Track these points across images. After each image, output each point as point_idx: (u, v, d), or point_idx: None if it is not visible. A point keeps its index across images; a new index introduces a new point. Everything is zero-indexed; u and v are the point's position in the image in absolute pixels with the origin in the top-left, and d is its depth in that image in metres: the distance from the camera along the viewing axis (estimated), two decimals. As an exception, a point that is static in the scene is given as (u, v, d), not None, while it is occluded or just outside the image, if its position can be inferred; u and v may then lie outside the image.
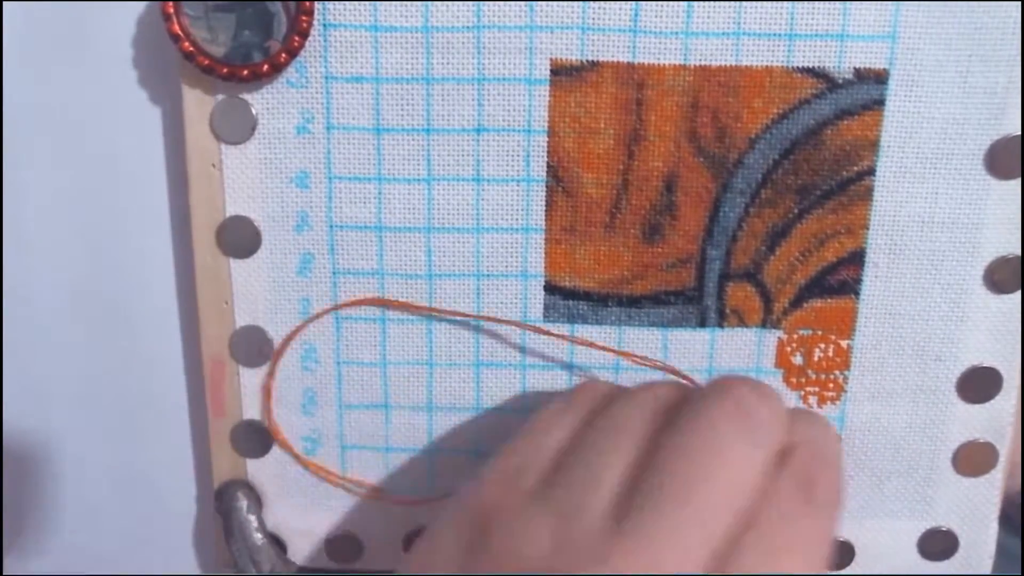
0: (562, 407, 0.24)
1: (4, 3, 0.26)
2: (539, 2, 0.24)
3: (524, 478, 0.22)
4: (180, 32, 0.24)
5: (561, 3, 0.24)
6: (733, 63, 0.25)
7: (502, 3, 0.24)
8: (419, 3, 0.24)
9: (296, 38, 0.24)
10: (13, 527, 0.30)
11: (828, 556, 0.22)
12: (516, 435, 0.24)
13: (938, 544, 0.29)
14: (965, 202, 0.26)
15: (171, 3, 0.24)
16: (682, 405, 0.23)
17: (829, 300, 0.27)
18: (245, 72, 0.24)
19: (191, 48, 0.24)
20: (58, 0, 0.26)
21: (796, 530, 0.21)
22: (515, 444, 0.23)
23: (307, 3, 0.24)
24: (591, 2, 0.24)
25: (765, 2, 0.24)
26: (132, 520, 0.31)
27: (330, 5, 0.24)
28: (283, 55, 0.24)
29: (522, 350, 0.27)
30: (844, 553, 0.29)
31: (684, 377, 0.27)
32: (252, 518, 0.28)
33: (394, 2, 0.24)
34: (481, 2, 0.24)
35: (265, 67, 0.24)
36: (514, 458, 0.23)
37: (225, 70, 0.24)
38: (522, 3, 0.24)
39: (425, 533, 0.22)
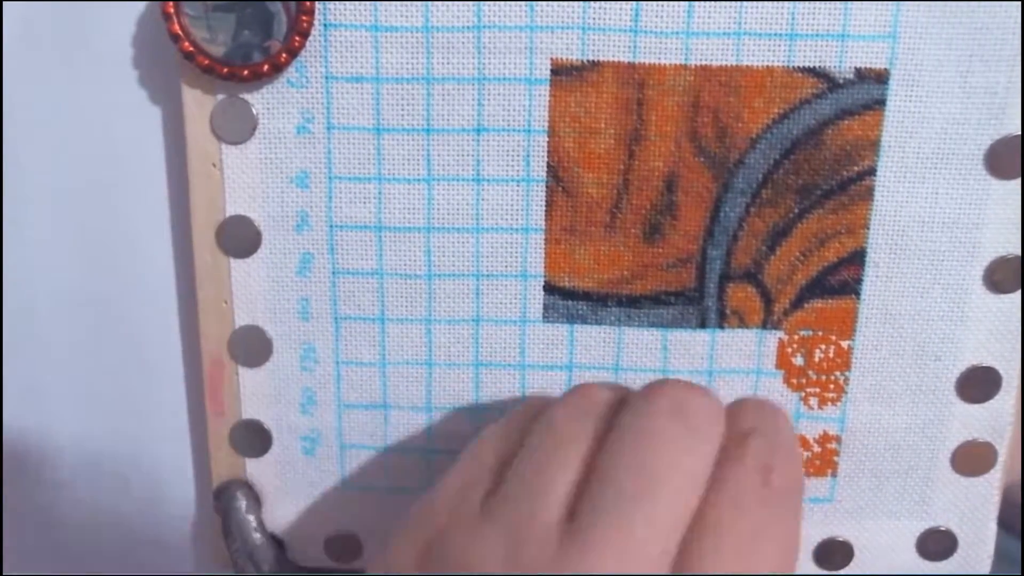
0: (503, 424, 0.25)
1: (4, 2, 0.26)
2: (539, 2, 0.24)
3: (472, 495, 0.22)
4: (180, 32, 0.24)
5: (561, 3, 0.24)
6: (734, 63, 0.25)
7: (502, 3, 0.24)
8: (419, 3, 0.24)
9: (297, 38, 0.24)
10: (13, 527, 0.30)
11: (796, 543, 0.22)
12: (461, 455, 0.24)
13: (937, 544, 0.29)
14: (965, 202, 0.26)
15: (171, 3, 0.24)
16: (620, 409, 0.23)
17: (830, 300, 0.27)
18: (245, 72, 0.24)
19: (191, 48, 0.24)
20: (58, 0, 0.26)
21: (757, 519, 0.21)
22: (460, 464, 0.24)
23: (308, 3, 0.24)
24: (591, 2, 0.24)
25: (766, 2, 0.24)
26: (130, 520, 0.31)
27: (330, 5, 0.24)
28: (283, 55, 0.24)
29: (521, 350, 0.27)
30: (843, 553, 0.29)
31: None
32: (251, 518, 0.28)
33: (394, 2, 0.24)
34: (481, 2, 0.24)
35: (266, 67, 0.24)
36: (461, 477, 0.23)
37: (225, 70, 0.24)
38: (522, 3, 0.24)
39: (379, 555, 0.23)
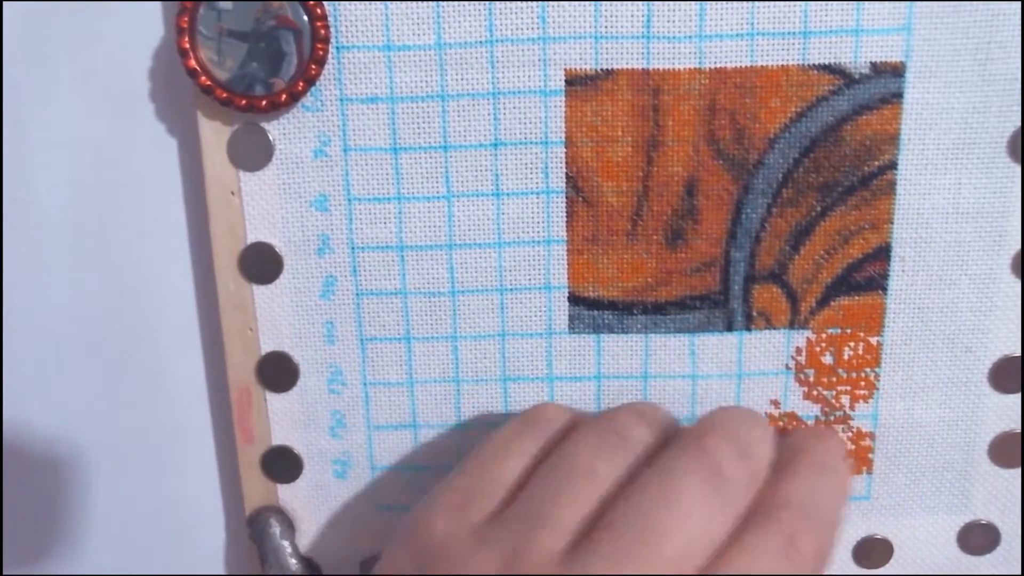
0: (517, 432, 0.23)
1: (20, 35, 0.26)
2: (551, 13, 0.24)
3: (473, 510, 0.21)
4: (197, 67, 0.24)
5: (573, 13, 0.24)
6: (748, 64, 0.25)
7: (514, 16, 0.24)
8: (431, 21, 0.24)
9: (313, 66, 0.24)
10: (44, 563, 0.30)
11: None
12: (467, 460, 0.23)
13: (979, 538, 0.28)
14: (989, 191, 0.26)
15: (187, 38, 0.24)
16: (656, 452, 0.22)
17: (856, 297, 0.27)
18: (264, 103, 0.24)
19: (209, 82, 0.24)
20: (73, 33, 0.26)
21: None
22: (465, 471, 0.23)
23: (324, 31, 0.24)
24: (603, 6, 0.24)
25: (778, 1, 0.24)
26: (162, 552, 0.31)
27: (343, 28, 0.24)
28: (301, 83, 0.24)
29: (548, 363, 0.27)
30: (882, 551, 0.29)
31: None
32: (286, 544, 0.28)
33: (406, 22, 0.24)
34: (493, 17, 0.24)
35: (283, 96, 0.24)
36: (464, 488, 0.22)
37: (244, 102, 0.24)
38: (534, 15, 0.24)
39: (379, 563, 0.22)
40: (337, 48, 0.25)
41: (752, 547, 0.20)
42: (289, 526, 0.28)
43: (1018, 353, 0.27)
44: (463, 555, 0.20)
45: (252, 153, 0.25)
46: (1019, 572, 0.29)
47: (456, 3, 0.24)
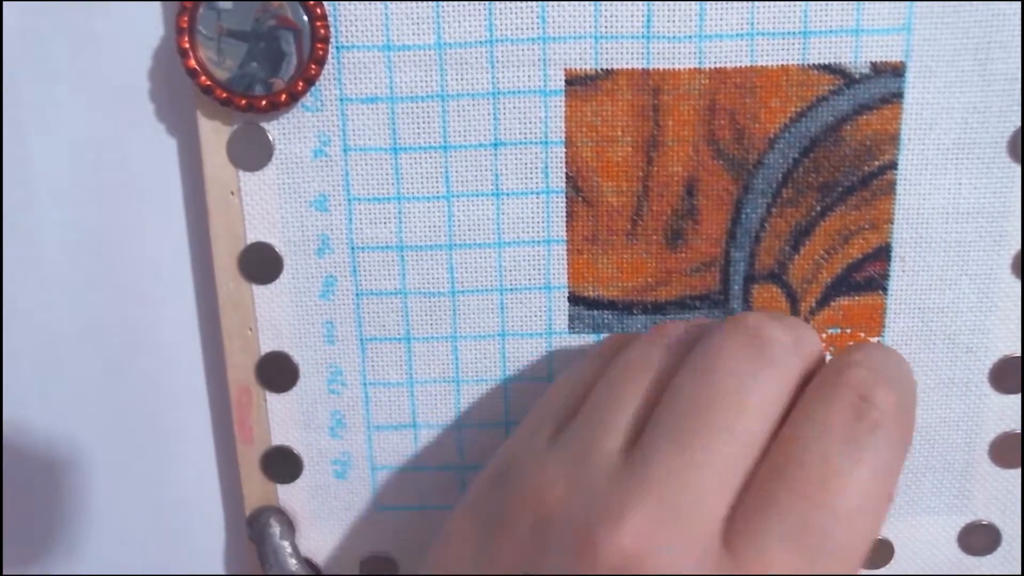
0: (585, 361, 0.25)
1: (21, 35, 0.26)
2: (551, 13, 0.24)
3: (543, 429, 0.22)
4: (197, 67, 0.24)
5: (573, 13, 0.24)
6: (748, 64, 0.25)
7: (514, 16, 0.24)
8: (431, 21, 0.24)
9: (313, 66, 0.24)
10: (44, 563, 0.30)
11: (884, 487, 0.19)
12: (539, 399, 0.25)
13: (980, 539, 0.28)
14: (990, 191, 0.26)
15: (187, 38, 0.24)
16: (696, 342, 0.22)
17: (856, 297, 0.27)
18: (264, 103, 0.24)
19: (209, 82, 0.24)
20: (73, 33, 0.26)
21: (840, 454, 0.19)
22: (540, 400, 0.24)
23: (323, 31, 0.24)
24: (603, 6, 0.24)
25: (778, 1, 0.24)
26: (161, 551, 0.31)
27: (343, 28, 0.24)
28: (301, 83, 0.24)
29: (549, 362, 0.27)
30: (884, 552, 0.29)
31: None
32: (286, 544, 0.28)
33: (406, 22, 0.24)
34: (493, 17, 0.24)
35: (283, 96, 0.24)
36: (536, 412, 0.23)
37: (243, 102, 0.24)
38: (534, 15, 0.24)
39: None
40: (337, 48, 0.25)
41: (818, 408, 0.20)
42: (289, 526, 0.28)
43: (1018, 353, 0.27)
44: (533, 462, 0.21)
45: (252, 153, 0.25)
46: (1020, 573, 0.29)
47: (456, 3, 0.24)
